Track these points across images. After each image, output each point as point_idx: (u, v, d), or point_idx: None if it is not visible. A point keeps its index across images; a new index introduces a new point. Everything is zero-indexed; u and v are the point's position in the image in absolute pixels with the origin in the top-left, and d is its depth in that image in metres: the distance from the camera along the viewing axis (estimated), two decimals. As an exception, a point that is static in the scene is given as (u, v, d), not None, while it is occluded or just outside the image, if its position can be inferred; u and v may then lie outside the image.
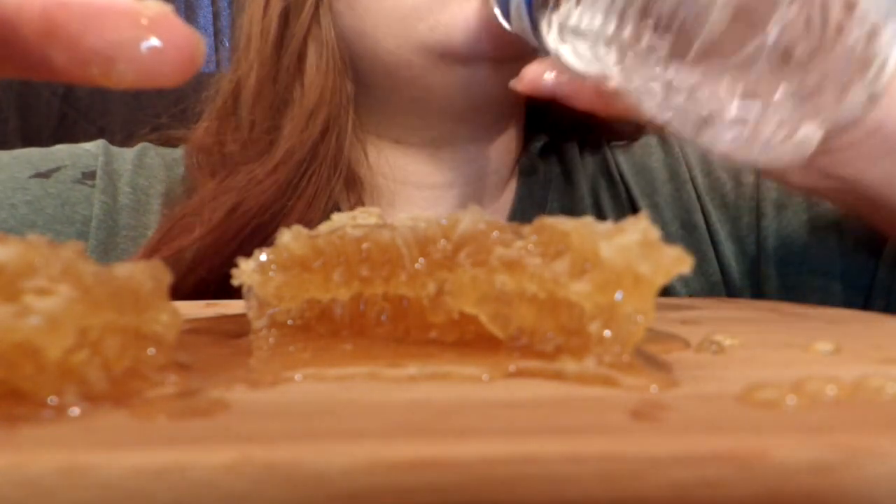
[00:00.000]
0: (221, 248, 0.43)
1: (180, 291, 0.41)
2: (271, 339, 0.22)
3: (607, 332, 0.17)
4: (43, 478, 0.12)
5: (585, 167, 0.53)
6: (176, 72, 0.18)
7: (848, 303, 0.46)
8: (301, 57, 0.46)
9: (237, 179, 0.44)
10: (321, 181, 0.45)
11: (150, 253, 0.43)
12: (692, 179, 0.50)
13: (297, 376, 0.17)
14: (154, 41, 0.17)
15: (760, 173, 0.48)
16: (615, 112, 0.35)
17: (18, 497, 0.12)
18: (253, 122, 0.46)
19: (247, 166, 0.45)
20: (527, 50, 0.44)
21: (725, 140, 0.26)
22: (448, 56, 0.43)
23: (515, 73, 0.46)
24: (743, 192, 0.49)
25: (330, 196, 0.45)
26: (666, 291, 0.47)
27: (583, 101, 0.35)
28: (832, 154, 0.33)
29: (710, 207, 0.49)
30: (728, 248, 0.49)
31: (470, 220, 0.20)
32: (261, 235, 0.43)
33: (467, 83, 0.45)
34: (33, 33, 0.17)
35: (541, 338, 0.19)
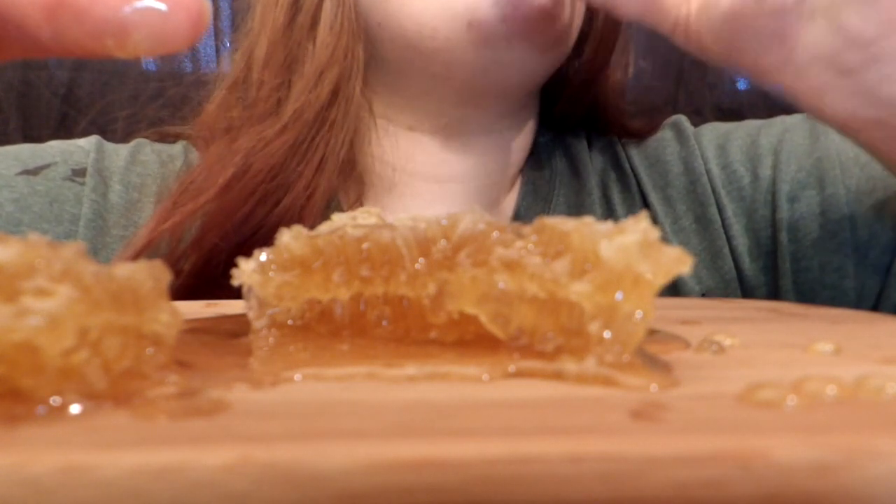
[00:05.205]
0: (230, 213, 0.42)
1: (192, 261, 0.41)
2: (271, 339, 0.22)
3: (607, 333, 0.17)
4: (43, 478, 0.12)
5: (594, 161, 0.53)
6: (187, 34, 0.18)
7: (860, 298, 0.46)
8: (315, 16, 0.46)
9: (245, 141, 0.44)
10: (329, 146, 0.44)
11: (162, 218, 0.42)
12: (708, 173, 0.50)
13: (297, 376, 0.17)
14: (161, 5, 0.17)
15: (777, 166, 0.48)
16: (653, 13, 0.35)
17: (18, 497, 0.12)
18: (262, 82, 0.46)
19: (254, 128, 0.44)
20: (553, 34, 0.44)
21: None
22: (475, 25, 0.42)
23: (538, 62, 0.46)
24: (760, 185, 0.49)
25: (336, 162, 0.44)
26: (679, 289, 0.47)
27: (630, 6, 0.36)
28: (881, 64, 0.31)
29: (726, 201, 0.49)
30: (743, 244, 0.48)
31: (470, 220, 0.20)
32: (270, 201, 0.42)
33: (489, 64, 0.45)
34: (39, 10, 0.17)
35: (541, 338, 0.19)
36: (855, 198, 0.46)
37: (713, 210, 0.49)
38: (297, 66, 0.45)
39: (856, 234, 0.46)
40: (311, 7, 0.46)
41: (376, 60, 0.47)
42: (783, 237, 0.47)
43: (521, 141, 0.52)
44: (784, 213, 0.47)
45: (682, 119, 0.54)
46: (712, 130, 0.53)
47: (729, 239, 0.48)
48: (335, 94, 0.44)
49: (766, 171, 0.49)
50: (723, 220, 0.49)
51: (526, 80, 0.48)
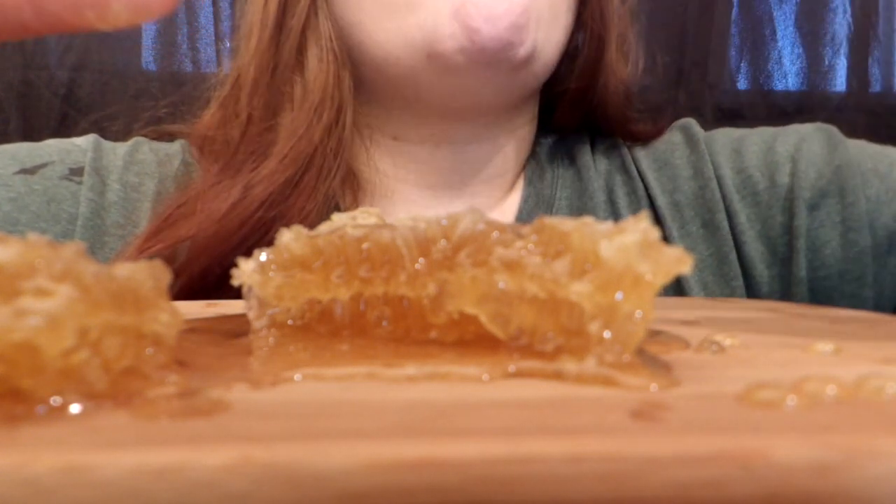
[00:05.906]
0: (220, 242, 0.42)
1: (175, 285, 0.41)
2: (271, 339, 0.22)
3: (607, 333, 0.17)
4: (43, 478, 0.12)
5: (598, 164, 0.52)
6: (164, 1, 0.18)
7: (878, 308, 0.46)
8: (301, 49, 0.45)
9: (242, 175, 0.44)
10: (322, 174, 0.44)
11: (148, 239, 0.42)
12: (718, 178, 0.49)
13: (297, 376, 0.17)
14: None
15: (795, 174, 0.48)
16: None
17: (18, 497, 0.12)
18: (251, 116, 0.46)
19: (250, 162, 0.44)
20: (517, 58, 0.43)
21: None
22: (434, 58, 0.43)
23: (509, 82, 0.45)
24: (777, 191, 0.48)
25: (329, 188, 0.44)
26: (684, 295, 0.47)
27: None
28: None
29: (739, 206, 0.48)
30: (755, 250, 0.48)
31: (470, 220, 0.20)
32: (260, 231, 0.42)
33: (455, 90, 0.45)
34: None
35: (541, 338, 0.19)
36: (875, 208, 0.46)
37: (721, 216, 0.48)
38: (285, 102, 0.45)
39: (877, 244, 0.46)
40: (294, 39, 0.45)
41: (357, 76, 0.47)
42: (801, 245, 0.46)
43: (518, 145, 0.51)
44: (803, 220, 0.47)
45: (692, 122, 0.53)
46: (725, 135, 0.52)
47: (739, 245, 0.48)
48: (330, 127, 0.45)
49: (783, 178, 0.48)
50: (733, 227, 0.48)
51: (501, 99, 0.47)
